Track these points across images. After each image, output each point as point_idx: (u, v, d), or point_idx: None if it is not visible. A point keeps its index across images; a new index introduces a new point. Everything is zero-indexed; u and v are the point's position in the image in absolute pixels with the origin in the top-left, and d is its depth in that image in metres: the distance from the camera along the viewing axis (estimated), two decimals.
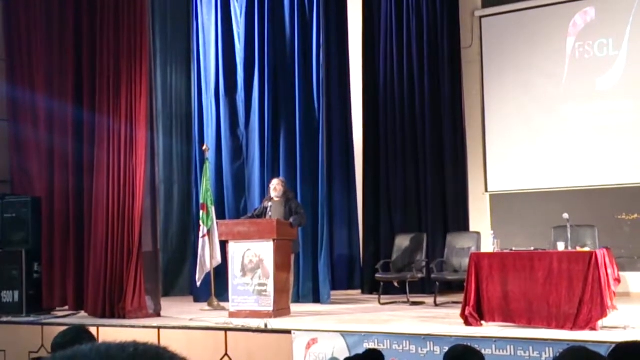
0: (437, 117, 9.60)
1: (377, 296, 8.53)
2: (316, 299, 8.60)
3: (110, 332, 6.74)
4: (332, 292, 8.84)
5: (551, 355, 4.92)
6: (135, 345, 0.80)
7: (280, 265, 7.11)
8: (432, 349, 5.46)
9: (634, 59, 9.01)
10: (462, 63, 9.75)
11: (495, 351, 5.15)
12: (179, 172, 10.54)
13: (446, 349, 5.42)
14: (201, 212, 8.34)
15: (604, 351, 4.21)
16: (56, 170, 8.38)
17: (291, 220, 7.53)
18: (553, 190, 9.34)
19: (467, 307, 5.98)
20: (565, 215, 6.55)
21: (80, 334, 3.04)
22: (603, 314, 5.51)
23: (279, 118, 9.30)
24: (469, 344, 3.43)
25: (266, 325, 6.22)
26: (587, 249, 6.13)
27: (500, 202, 9.73)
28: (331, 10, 9.68)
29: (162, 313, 7.62)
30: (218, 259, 8.24)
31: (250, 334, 6.25)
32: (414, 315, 7.22)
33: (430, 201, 9.53)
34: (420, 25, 9.72)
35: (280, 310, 7.06)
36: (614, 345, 2.77)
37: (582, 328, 5.45)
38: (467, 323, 5.93)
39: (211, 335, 6.43)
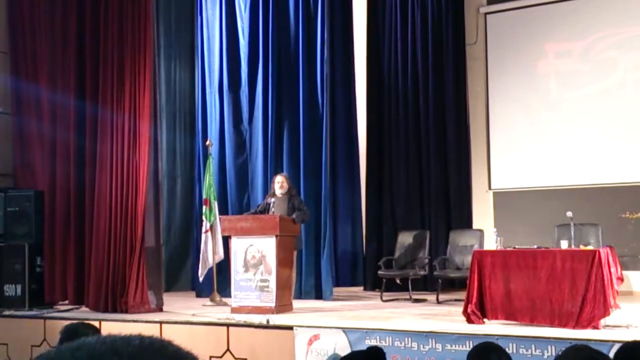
0: (441, 114, 9.59)
1: (379, 293, 8.53)
2: (318, 295, 8.60)
3: (113, 327, 6.74)
4: (335, 289, 8.84)
5: (553, 354, 4.92)
6: (140, 338, 0.80)
7: (283, 261, 7.12)
8: (434, 346, 5.46)
9: None
10: (466, 60, 9.74)
11: None
12: (182, 167, 10.54)
13: (448, 346, 5.45)
14: (204, 207, 8.34)
15: (606, 350, 4.21)
16: (59, 164, 8.38)
17: (294, 216, 7.53)
18: (556, 188, 9.33)
19: (469, 305, 5.98)
20: (569, 214, 6.54)
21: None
22: (606, 312, 5.50)
23: (283, 114, 9.30)
24: (493, 342, 3.42)
25: (268, 321, 6.22)
26: (590, 248, 6.12)
27: (504, 200, 9.71)
28: (336, 5, 9.66)
29: (164, 308, 7.62)
30: (220, 254, 8.24)
31: (253, 329, 6.25)
32: (416, 312, 7.21)
33: (433, 198, 9.52)
34: (424, 21, 9.71)
35: (283, 306, 7.06)
36: (620, 345, 2.76)
37: (584, 326, 5.45)
38: (470, 321, 5.93)
39: (213, 330, 6.43)
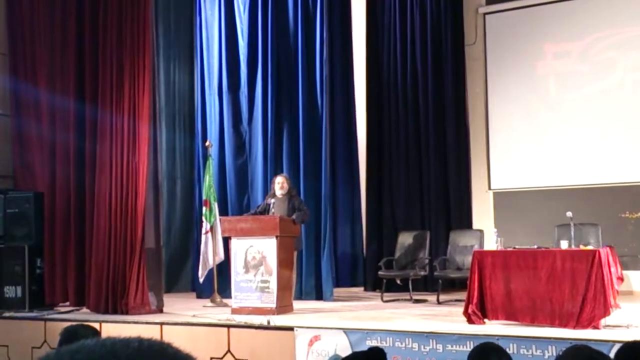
0: (440, 114, 9.59)
1: (379, 293, 8.52)
2: (319, 296, 8.60)
3: (113, 328, 6.75)
4: (335, 289, 8.84)
5: (554, 354, 4.91)
6: (139, 340, 0.80)
7: (283, 262, 7.11)
8: (434, 347, 5.45)
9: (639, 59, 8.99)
10: (465, 60, 9.74)
11: None
12: (182, 169, 10.54)
13: (449, 346, 5.45)
14: (204, 208, 8.34)
15: (606, 350, 4.21)
16: (59, 165, 8.38)
17: (294, 216, 7.53)
18: (556, 189, 9.33)
19: (470, 305, 5.98)
20: (569, 214, 6.54)
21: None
22: (606, 312, 5.50)
23: (282, 114, 9.30)
24: (494, 342, 3.42)
25: (269, 322, 6.22)
26: (590, 248, 6.12)
27: (504, 200, 9.71)
28: (335, 6, 9.66)
29: (164, 309, 7.62)
30: (221, 255, 8.24)
31: (253, 330, 6.25)
32: (417, 312, 7.21)
33: (433, 198, 9.52)
34: (424, 21, 9.71)
35: (283, 307, 7.06)
36: (620, 345, 2.76)
37: (584, 326, 5.45)
38: (470, 321, 5.93)
39: (214, 331, 6.43)
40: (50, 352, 0.79)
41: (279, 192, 7.87)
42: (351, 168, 9.91)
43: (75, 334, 2.98)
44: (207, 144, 8.75)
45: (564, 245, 6.11)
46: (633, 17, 9.00)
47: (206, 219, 8.26)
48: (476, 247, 7.77)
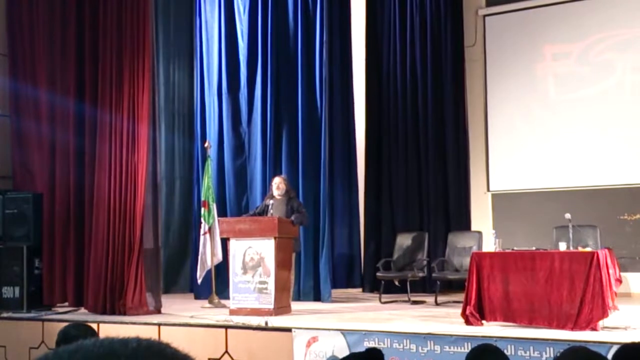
0: (439, 116, 9.60)
1: (378, 295, 8.52)
2: (317, 297, 8.60)
3: (111, 329, 6.74)
4: (333, 291, 8.84)
5: (552, 355, 4.92)
6: (138, 340, 0.80)
7: (281, 263, 7.11)
8: (432, 348, 5.46)
9: (639, 60, 9.00)
10: (465, 62, 9.75)
11: None
12: (181, 169, 10.53)
13: (446, 348, 5.45)
14: (202, 209, 8.34)
15: (604, 351, 4.21)
16: (58, 166, 8.38)
17: (292, 218, 7.53)
18: (555, 190, 9.33)
19: (468, 307, 5.98)
20: (567, 215, 6.55)
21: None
22: (604, 314, 5.50)
23: (281, 116, 9.30)
24: (492, 344, 3.42)
25: (267, 323, 6.22)
26: (588, 249, 6.12)
27: (502, 202, 9.71)
28: (334, 7, 9.67)
29: (162, 310, 7.62)
30: (219, 256, 8.24)
31: (251, 331, 6.25)
32: (415, 314, 7.21)
33: (432, 200, 9.52)
34: (423, 23, 9.72)
35: (281, 308, 7.06)
36: (618, 346, 2.76)
37: (583, 328, 5.45)
38: (468, 322, 5.93)
39: (211, 332, 6.43)
40: (48, 352, 0.80)
41: (276, 193, 7.88)
42: (350, 169, 9.90)
43: (73, 334, 2.98)
44: (206, 144, 8.75)
45: (563, 246, 6.12)
46: (632, 19, 9.01)
47: (205, 219, 8.26)
48: (474, 249, 7.77)
